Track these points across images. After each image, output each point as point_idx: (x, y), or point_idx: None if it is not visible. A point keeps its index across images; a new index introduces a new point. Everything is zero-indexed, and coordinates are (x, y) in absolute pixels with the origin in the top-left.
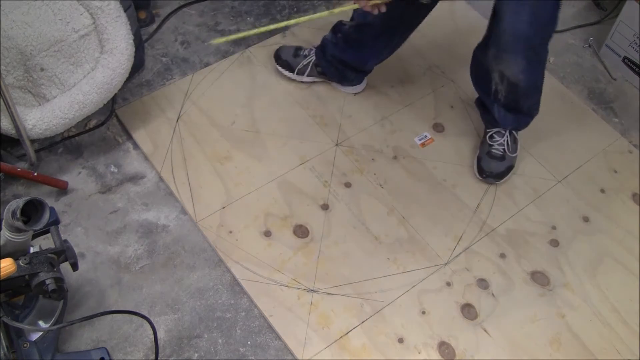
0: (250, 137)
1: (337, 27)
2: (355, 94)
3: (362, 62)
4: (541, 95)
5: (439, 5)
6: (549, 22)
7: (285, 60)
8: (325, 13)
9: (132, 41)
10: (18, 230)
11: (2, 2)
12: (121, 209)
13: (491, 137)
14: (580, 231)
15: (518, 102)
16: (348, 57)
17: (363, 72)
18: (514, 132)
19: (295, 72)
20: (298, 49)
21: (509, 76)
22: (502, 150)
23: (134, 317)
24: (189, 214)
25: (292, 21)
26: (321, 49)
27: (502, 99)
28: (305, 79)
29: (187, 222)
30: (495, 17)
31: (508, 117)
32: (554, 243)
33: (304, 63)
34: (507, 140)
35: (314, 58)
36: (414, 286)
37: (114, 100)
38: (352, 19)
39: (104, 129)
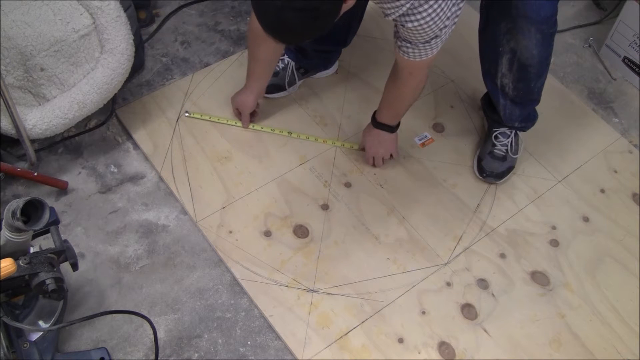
0: (250, 137)
1: None
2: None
3: (342, 41)
4: (544, 82)
5: None
6: None
7: (269, 85)
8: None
9: (132, 41)
10: (18, 230)
11: (2, 2)
12: (121, 209)
13: (496, 137)
14: (580, 231)
15: (529, 86)
16: (327, 45)
17: (344, 44)
18: (519, 133)
19: (287, 87)
20: None
21: (521, 56)
22: (504, 151)
23: (134, 317)
24: (189, 214)
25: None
26: (298, 51)
27: (511, 92)
28: (296, 86)
29: (187, 222)
30: None
31: (514, 113)
32: (554, 243)
33: (288, 74)
34: (512, 142)
35: (292, 63)
36: (414, 286)
37: (114, 100)
38: None
39: (104, 129)
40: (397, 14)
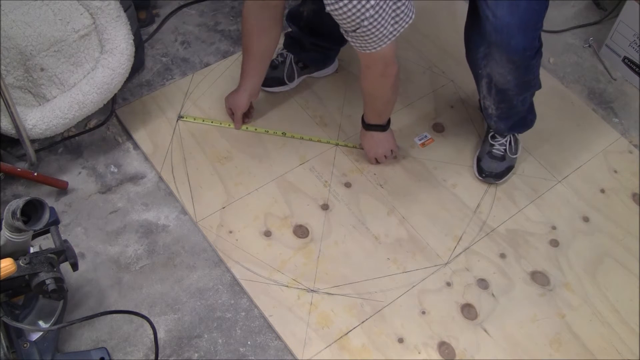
0: (250, 137)
1: (296, 17)
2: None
3: (341, 40)
4: (534, 93)
5: (439, 5)
6: (535, 21)
7: (269, 78)
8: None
9: (132, 41)
10: (18, 230)
11: (2, 2)
12: (121, 209)
13: (493, 137)
14: (580, 231)
15: (511, 103)
16: (325, 41)
17: (342, 43)
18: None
19: (287, 80)
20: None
21: (497, 82)
22: (503, 151)
23: (134, 317)
24: (189, 214)
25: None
26: (296, 44)
27: (494, 112)
28: (296, 81)
29: (187, 222)
30: (480, 17)
31: (500, 127)
32: (554, 243)
33: (287, 67)
34: (510, 141)
35: (291, 56)
36: (414, 286)
37: (114, 100)
38: (304, 1)
39: (104, 129)
40: None
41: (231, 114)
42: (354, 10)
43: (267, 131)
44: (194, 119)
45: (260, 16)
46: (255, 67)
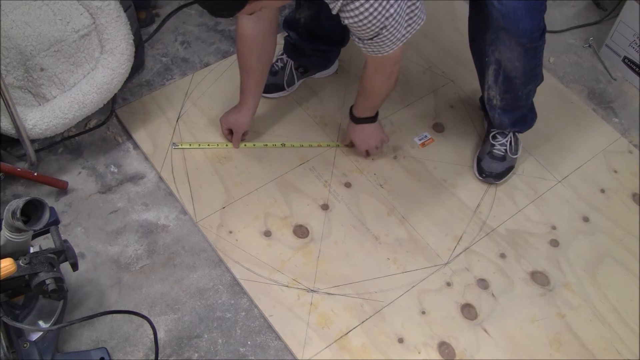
0: (250, 137)
1: (293, 24)
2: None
3: (340, 41)
4: (537, 86)
5: (438, 5)
6: (540, 2)
7: (268, 85)
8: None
9: (132, 41)
10: (18, 230)
11: (2, 2)
12: (121, 209)
13: (494, 137)
14: (580, 231)
15: (516, 95)
16: (325, 44)
17: (342, 44)
18: (517, 133)
19: (286, 86)
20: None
21: (505, 68)
22: (503, 151)
23: (134, 317)
24: (189, 214)
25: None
26: (295, 49)
27: (498, 102)
28: (295, 85)
29: (187, 222)
30: (484, 5)
31: (504, 121)
32: (554, 243)
33: (287, 73)
34: (511, 141)
35: (291, 62)
36: (414, 286)
37: (114, 100)
38: (299, 5)
39: (104, 129)
40: (336, 10)
41: (228, 134)
42: (374, 22)
43: (266, 145)
44: (190, 145)
45: (255, 32)
46: (255, 84)
